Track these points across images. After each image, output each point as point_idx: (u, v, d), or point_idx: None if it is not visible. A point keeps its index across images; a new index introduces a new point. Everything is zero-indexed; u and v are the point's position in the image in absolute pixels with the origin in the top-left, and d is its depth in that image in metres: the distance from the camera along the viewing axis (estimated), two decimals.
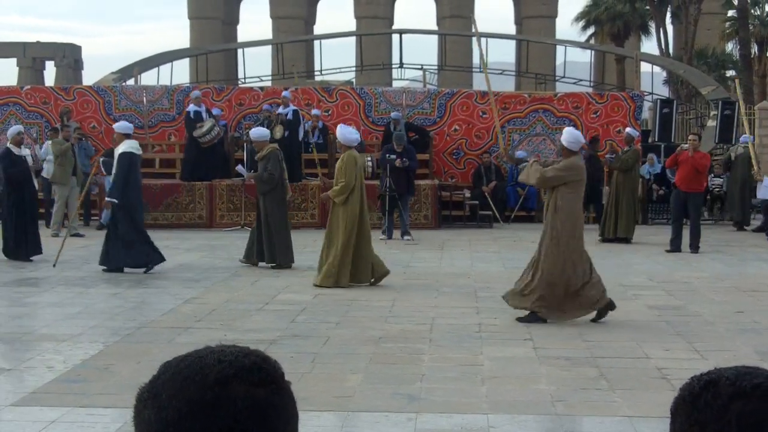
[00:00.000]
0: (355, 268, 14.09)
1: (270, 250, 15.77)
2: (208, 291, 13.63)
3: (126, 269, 15.20)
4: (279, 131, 22.27)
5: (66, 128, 21.55)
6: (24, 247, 16.70)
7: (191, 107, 23.30)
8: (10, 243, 16.83)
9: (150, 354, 9.54)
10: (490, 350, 9.83)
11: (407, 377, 8.69)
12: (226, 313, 11.84)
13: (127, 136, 15.44)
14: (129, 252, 15.17)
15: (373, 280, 14.20)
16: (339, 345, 10.01)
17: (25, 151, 17.52)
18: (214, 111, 24.25)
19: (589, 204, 23.34)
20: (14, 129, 17.68)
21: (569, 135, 11.72)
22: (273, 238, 15.73)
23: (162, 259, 15.51)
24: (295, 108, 23.27)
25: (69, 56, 64.70)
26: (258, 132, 16.39)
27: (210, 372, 1.53)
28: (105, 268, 15.29)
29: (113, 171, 15.38)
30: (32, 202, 17.26)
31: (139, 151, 15.65)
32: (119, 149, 15.26)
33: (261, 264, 15.95)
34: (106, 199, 15.58)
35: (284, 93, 24.03)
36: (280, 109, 23.16)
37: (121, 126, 15.89)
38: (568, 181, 11.44)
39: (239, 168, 18.02)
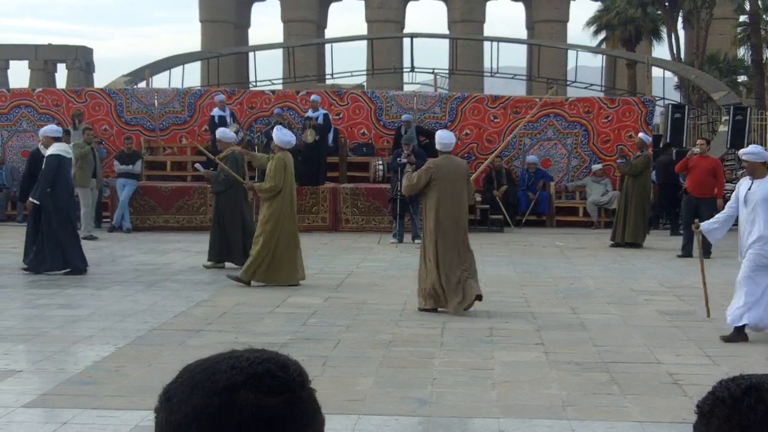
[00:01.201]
0: (277, 269, 14.30)
1: (229, 250, 15.93)
2: (219, 294, 13.64)
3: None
4: (311, 135, 22.32)
5: (87, 131, 21.53)
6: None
7: (216, 111, 23.35)
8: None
9: (161, 357, 9.56)
10: (500, 354, 9.82)
11: (418, 381, 8.68)
12: (237, 316, 11.85)
13: (57, 139, 15.70)
14: (55, 252, 15.28)
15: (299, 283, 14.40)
16: (350, 348, 10.01)
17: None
18: (214, 113, 24.32)
19: (664, 209, 23.49)
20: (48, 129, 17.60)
21: (439, 136, 12.64)
22: (230, 237, 15.86)
23: (84, 270, 15.39)
24: (325, 112, 23.26)
25: (80, 59, 64.84)
26: (222, 132, 16.63)
27: (220, 378, 1.51)
28: (27, 267, 15.41)
29: (41, 172, 15.39)
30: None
31: (69, 155, 15.81)
32: (48, 152, 15.42)
33: (228, 264, 16.07)
34: (30, 199, 15.66)
35: (313, 97, 24.04)
36: (310, 113, 23.17)
37: (48, 129, 16.20)
38: (429, 181, 12.20)
39: (197, 165, 18.02)
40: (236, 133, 22.19)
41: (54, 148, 15.37)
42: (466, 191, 12.48)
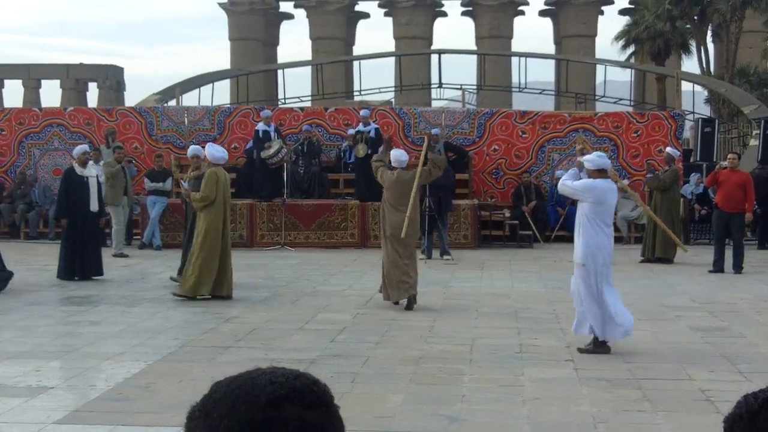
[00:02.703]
0: (217, 281, 14.67)
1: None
2: (248, 310, 13.68)
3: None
4: (362, 150, 22.44)
5: (118, 150, 21.70)
6: (79, 267, 16.79)
7: (260, 126, 23.44)
8: (61, 263, 16.97)
9: (191, 373, 9.59)
10: (531, 371, 9.78)
11: (448, 398, 8.67)
12: (266, 333, 11.88)
13: None
14: None
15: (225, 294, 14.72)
16: (379, 365, 10.00)
17: (92, 171, 17.56)
18: (259, 127, 24.45)
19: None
20: (80, 148, 17.81)
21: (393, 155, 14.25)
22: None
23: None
24: (376, 126, 23.27)
25: (111, 78, 65.36)
26: (192, 149, 16.93)
27: (262, 393, 1.54)
28: None
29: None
30: (92, 222, 17.28)
31: None
32: None
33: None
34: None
35: (363, 112, 24.09)
36: (361, 127, 23.23)
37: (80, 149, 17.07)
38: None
39: (182, 183, 18.11)
40: (279, 149, 22.24)
41: None
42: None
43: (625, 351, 10.79)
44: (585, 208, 11.04)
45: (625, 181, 19.58)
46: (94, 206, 17.15)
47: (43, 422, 7.86)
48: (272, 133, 23.25)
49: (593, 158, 11.38)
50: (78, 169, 17.24)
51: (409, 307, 13.64)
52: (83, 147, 18.05)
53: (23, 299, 14.76)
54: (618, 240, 23.68)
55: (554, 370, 9.88)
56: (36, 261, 19.39)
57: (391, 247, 13.82)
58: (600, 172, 11.19)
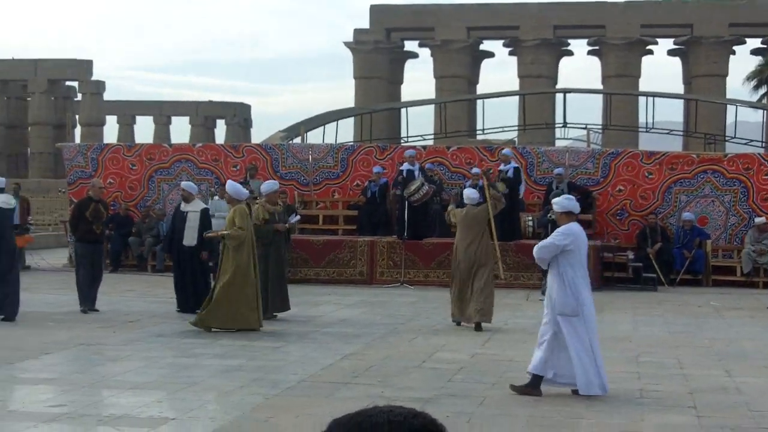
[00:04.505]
0: (243, 314, 15.00)
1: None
2: (367, 347, 13.73)
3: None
4: (501, 188, 22.44)
5: (245, 185, 22.08)
6: (192, 301, 17.09)
7: (405, 165, 23.61)
8: (176, 296, 17.36)
9: (309, 408, 9.66)
10: (651, 417, 9.60)
11: None
12: (383, 370, 11.90)
13: (1, 191, 17.20)
14: None
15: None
16: (496, 406, 9.93)
17: (194, 206, 17.83)
18: (375, 169, 24.62)
19: None
20: (183, 184, 18.22)
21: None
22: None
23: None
24: (516, 165, 23.22)
25: (239, 115, 66.69)
26: (186, 184, 17.98)
27: (381, 431, 1.55)
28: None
29: None
30: (189, 256, 17.54)
31: (8, 206, 16.49)
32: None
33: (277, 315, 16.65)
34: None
35: (505, 151, 24.08)
36: (502, 167, 23.24)
37: (185, 185, 17.90)
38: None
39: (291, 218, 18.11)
40: (420, 187, 22.28)
41: None
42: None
43: (750, 399, 10.51)
44: (567, 256, 10.62)
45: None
46: (187, 240, 17.35)
47: None
48: (416, 172, 23.31)
49: (561, 201, 11.11)
50: (183, 205, 17.64)
51: (478, 328, 15.36)
52: (185, 183, 18.41)
53: (148, 331, 15.09)
54: (743, 285, 23.14)
55: (676, 416, 9.67)
56: (162, 294, 19.80)
57: (459, 278, 15.59)
58: (568, 216, 10.91)
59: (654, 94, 45.20)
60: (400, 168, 23.78)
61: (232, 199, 15.55)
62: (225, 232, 15.29)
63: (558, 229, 10.82)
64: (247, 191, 15.94)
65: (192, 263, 17.33)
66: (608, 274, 23.04)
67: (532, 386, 10.49)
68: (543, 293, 19.86)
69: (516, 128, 47.09)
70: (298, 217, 19.77)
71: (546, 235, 19.02)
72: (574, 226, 10.76)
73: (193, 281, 17.17)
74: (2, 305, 16.10)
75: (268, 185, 17.44)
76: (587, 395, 10.36)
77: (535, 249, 10.87)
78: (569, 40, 56.34)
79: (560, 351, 10.51)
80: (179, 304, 17.31)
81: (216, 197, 23.38)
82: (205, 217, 17.55)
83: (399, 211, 23.09)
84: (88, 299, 17.30)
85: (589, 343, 10.51)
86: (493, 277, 15.88)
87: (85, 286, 17.38)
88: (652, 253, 23.18)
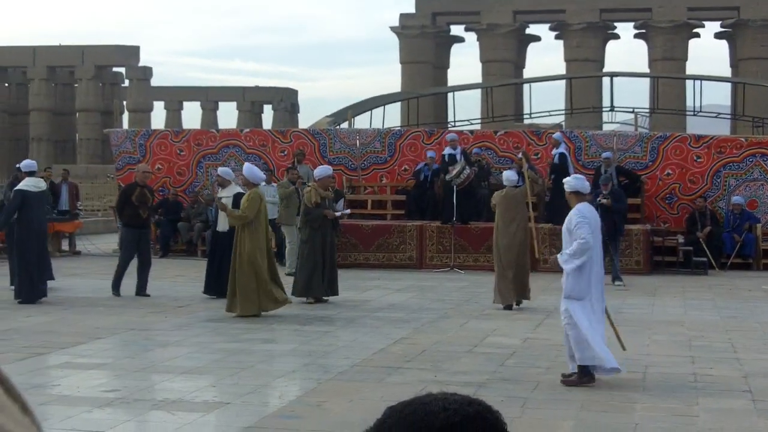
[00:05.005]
0: (259, 297, 15.11)
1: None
2: (417, 332, 13.75)
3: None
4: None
5: (292, 171, 22.15)
6: (216, 284, 17.14)
7: (447, 150, 23.59)
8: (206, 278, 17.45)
9: (362, 393, 9.69)
10: (705, 401, 9.54)
11: (619, 426, 8.53)
12: (435, 355, 11.91)
13: (30, 174, 17.03)
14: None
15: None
16: (549, 390, 9.92)
17: (227, 192, 17.69)
18: (429, 153, 24.62)
19: None
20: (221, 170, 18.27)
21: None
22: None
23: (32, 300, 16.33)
24: (563, 151, 23.13)
25: (286, 100, 66.85)
26: (222, 170, 17.76)
27: (435, 420, 1.54)
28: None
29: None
30: (221, 241, 17.45)
31: (37, 189, 16.81)
32: (18, 186, 16.92)
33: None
34: None
35: (556, 135, 23.94)
36: (554, 151, 23.20)
37: (25, 165, 17.67)
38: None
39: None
40: (461, 171, 22.27)
41: (22, 183, 16.80)
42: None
43: None
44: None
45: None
46: (221, 226, 17.28)
47: None
48: (458, 156, 23.27)
49: (570, 180, 10.85)
50: (219, 191, 17.70)
51: (517, 304, 16.10)
52: (221, 169, 18.31)
53: (198, 316, 15.21)
54: None
55: (730, 400, 9.61)
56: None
57: (500, 259, 16.13)
58: (578, 195, 10.66)
59: (701, 78, 44.76)
60: (443, 153, 23.76)
61: (248, 182, 15.57)
62: (231, 211, 15.51)
63: (575, 220, 10.39)
64: (264, 175, 15.98)
65: (224, 249, 17.35)
66: (658, 259, 22.90)
67: (582, 377, 10.33)
68: (616, 279, 19.74)
69: (563, 112, 46.83)
70: (348, 211, 19.92)
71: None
72: (585, 208, 10.55)
73: (220, 266, 16.96)
74: (40, 289, 16.46)
75: (322, 170, 17.48)
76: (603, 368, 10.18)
77: (562, 259, 10.43)
78: (615, 24, 55.87)
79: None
80: (205, 286, 17.35)
81: (263, 183, 23.41)
82: (237, 202, 17.61)
83: (445, 196, 23.06)
84: (138, 284, 17.45)
85: (597, 323, 10.32)
86: (530, 256, 16.58)
87: (123, 272, 17.54)
88: (702, 237, 23.00)
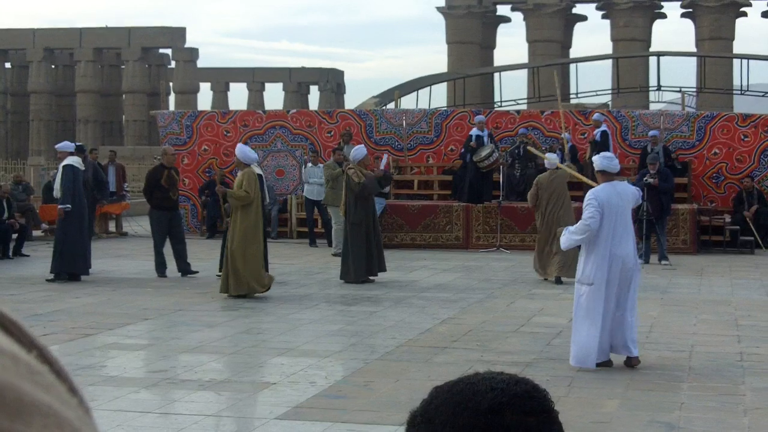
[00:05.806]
0: (249, 279, 15.10)
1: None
2: (464, 312, 13.80)
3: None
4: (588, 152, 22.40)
5: (338, 152, 22.15)
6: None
7: (474, 131, 23.60)
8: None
9: (408, 373, 9.76)
10: (752, 380, 9.52)
11: (666, 405, 8.55)
12: (481, 335, 11.96)
13: (71, 154, 17.55)
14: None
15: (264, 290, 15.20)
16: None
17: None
18: (473, 132, 24.61)
19: None
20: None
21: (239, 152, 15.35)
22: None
23: (85, 271, 16.93)
24: (604, 129, 23.07)
25: (332, 81, 66.88)
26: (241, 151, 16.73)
27: (483, 399, 1.56)
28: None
29: (60, 182, 17.03)
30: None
31: (82, 166, 17.49)
32: (64, 162, 17.16)
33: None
34: (59, 207, 17.13)
35: (596, 116, 23.92)
36: (595, 131, 23.18)
37: (62, 146, 18.21)
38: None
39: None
40: (490, 154, 22.30)
41: (68, 160, 17.16)
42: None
43: None
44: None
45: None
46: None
47: (265, 417, 8.17)
48: (485, 138, 23.28)
49: (597, 159, 10.50)
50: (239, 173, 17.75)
51: (558, 281, 16.53)
52: (239, 148, 18.23)
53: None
54: None
55: None
56: None
57: (542, 236, 16.95)
58: (604, 175, 10.31)
59: (749, 57, 44.29)
60: (470, 133, 23.74)
61: (240, 163, 15.51)
62: (233, 192, 15.48)
63: (585, 200, 10.20)
64: (256, 155, 15.96)
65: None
66: (705, 238, 22.75)
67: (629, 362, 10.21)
68: (640, 257, 19.61)
69: (609, 92, 46.53)
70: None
71: (645, 200, 18.79)
72: (602, 190, 10.13)
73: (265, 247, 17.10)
74: (81, 265, 16.88)
75: (358, 151, 17.46)
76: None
77: (562, 239, 10.33)
78: (662, 3, 55.31)
79: (617, 325, 10.22)
80: (220, 266, 17.38)
81: (309, 164, 23.53)
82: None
83: (468, 176, 23.12)
84: (179, 265, 17.73)
85: (601, 314, 10.01)
86: None
87: (161, 253, 17.76)
88: (749, 216, 22.82)
